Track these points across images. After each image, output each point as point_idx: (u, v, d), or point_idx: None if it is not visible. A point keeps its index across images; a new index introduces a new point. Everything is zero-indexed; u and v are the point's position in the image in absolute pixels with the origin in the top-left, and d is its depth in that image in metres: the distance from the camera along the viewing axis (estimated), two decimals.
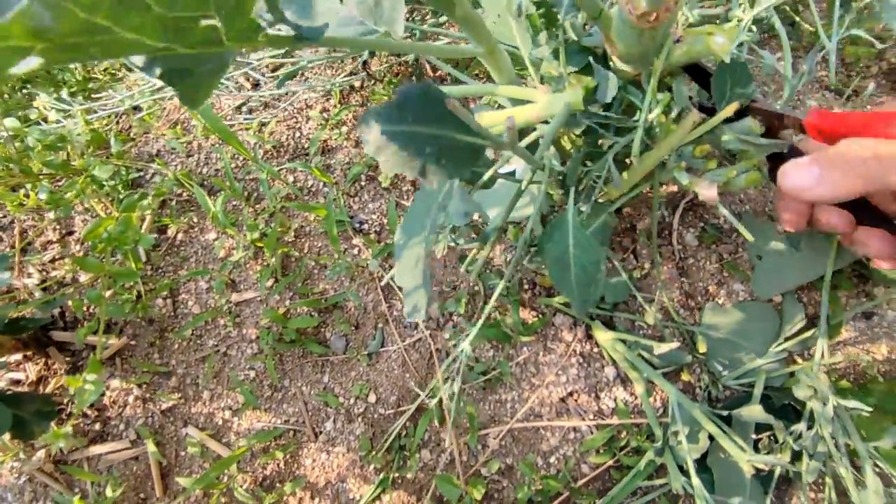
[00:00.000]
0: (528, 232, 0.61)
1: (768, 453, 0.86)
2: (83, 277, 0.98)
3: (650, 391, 0.89)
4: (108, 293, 0.98)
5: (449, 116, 0.38)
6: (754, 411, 0.82)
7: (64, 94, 1.27)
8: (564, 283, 0.56)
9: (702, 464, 0.85)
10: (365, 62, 1.03)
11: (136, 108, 1.23)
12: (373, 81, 1.11)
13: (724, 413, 0.84)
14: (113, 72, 1.36)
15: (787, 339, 0.88)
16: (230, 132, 0.85)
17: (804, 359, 0.90)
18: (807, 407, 0.83)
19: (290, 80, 0.91)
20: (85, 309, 0.99)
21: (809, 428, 0.82)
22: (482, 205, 0.77)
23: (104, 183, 1.00)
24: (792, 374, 0.87)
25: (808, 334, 0.86)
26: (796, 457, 0.84)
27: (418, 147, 0.37)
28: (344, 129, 1.09)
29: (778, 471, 0.85)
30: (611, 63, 0.57)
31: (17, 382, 0.96)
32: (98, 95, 1.22)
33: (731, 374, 0.88)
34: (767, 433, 0.87)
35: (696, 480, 0.78)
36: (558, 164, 0.60)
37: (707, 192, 0.57)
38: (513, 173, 0.71)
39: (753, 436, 0.86)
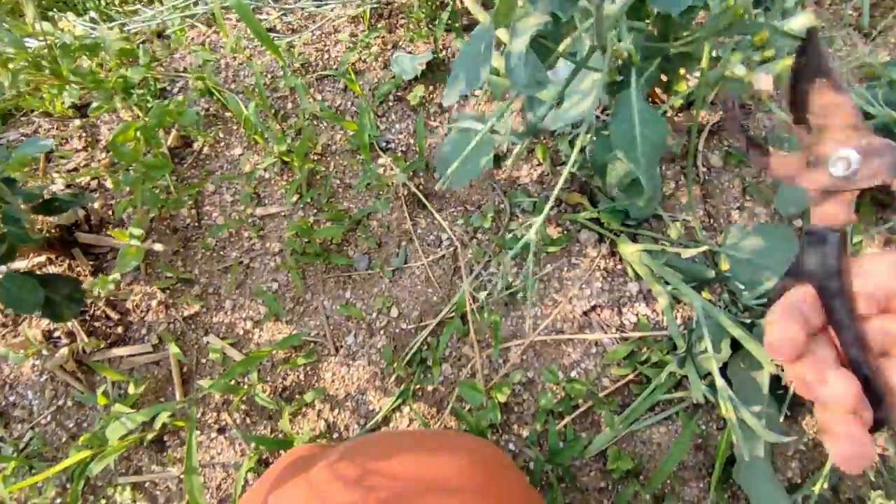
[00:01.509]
0: (588, 116, 0.61)
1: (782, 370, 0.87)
2: (109, 183, 0.98)
3: (672, 306, 0.90)
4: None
5: None
6: None
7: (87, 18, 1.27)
8: (632, 158, 0.57)
9: (722, 376, 0.86)
10: None
11: (160, 35, 1.23)
12: (407, 0, 1.11)
13: (747, 321, 0.85)
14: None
15: None
16: (268, 36, 0.85)
17: None
18: None
19: None
20: (110, 213, 0.99)
21: None
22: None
23: (133, 91, 1.00)
24: None
25: None
26: None
27: None
28: (373, 50, 1.10)
29: (793, 388, 0.86)
30: None
31: None
32: (118, 19, 1.22)
33: (752, 294, 0.90)
34: None
35: (720, 381, 0.79)
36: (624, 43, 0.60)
37: (763, 82, 0.58)
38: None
39: None
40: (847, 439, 0.29)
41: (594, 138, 0.68)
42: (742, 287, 0.90)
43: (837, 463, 0.29)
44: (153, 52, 1.15)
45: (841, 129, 0.34)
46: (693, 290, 0.84)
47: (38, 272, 0.88)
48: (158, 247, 0.79)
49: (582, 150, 0.81)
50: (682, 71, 0.82)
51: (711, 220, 0.94)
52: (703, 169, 0.95)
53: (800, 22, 0.60)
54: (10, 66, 0.83)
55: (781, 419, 0.85)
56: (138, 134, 0.89)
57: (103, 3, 1.31)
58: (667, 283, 0.90)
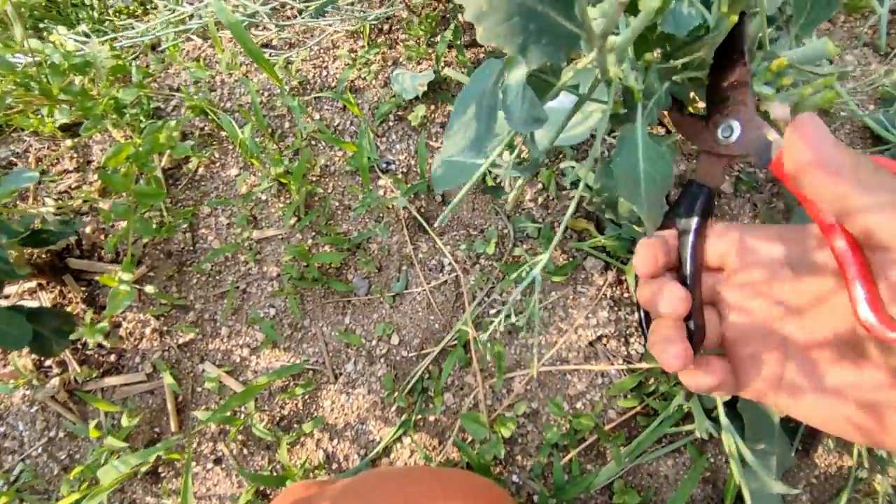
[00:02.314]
0: (594, 150, 0.59)
1: None
2: (102, 206, 0.95)
3: None
4: (124, 224, 0.96)
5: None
6: None
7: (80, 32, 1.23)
8: (634, 197, 0.54)
9: (732, 410, 0.84)
10: None
11: (154, 48, 1.20)
12: (407, 15, 1.08)
13: None
14: (129, 10, 1.32)
15: None
16: (263, 55, 0.82)
17: None
18: None
19: (326, 9, 0.88)
20: (103, 237, 0.97)
21: None
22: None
23: (125, 111, 0.97)
24: None
25: None
26: None
27: (523, 21, 0.35)
28: (373, 67, 1.07)
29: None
30: None
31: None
32: (114, 33, 1.18)
33: None
34: None
35: (724, 419, 0.77)
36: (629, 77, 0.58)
37: (779, 111, 0.56)
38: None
39: None
40: (669, 341, 0.32)
41: (602, 168, 0.65)
42: None
43: (661, 363, 0.33)
44: (146, 66, 1.12)
45: (736, 103, 0.38)
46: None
47: (25, 305, 0.86)
48: (150, 289, 0.76)
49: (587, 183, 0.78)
50: (691, 94, 0.79)
51: None
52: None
53: (817, 48, 0.58)
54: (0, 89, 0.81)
55: (793, 453, 0.83)
56: (130, 159, 0.86)
57: (96, 14, 1.27)
58: None
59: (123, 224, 0.97)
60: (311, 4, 1.02)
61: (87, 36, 1.19)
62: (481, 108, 0.44)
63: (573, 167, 0.81)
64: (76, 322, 0.82)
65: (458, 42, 1.02)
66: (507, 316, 0.93)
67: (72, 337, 0.79)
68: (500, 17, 0.34)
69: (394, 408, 0.92)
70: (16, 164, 1.02)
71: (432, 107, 1.04)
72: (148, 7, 1.31)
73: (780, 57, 0.58)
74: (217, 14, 0.82)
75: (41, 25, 1.31)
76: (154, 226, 0.88)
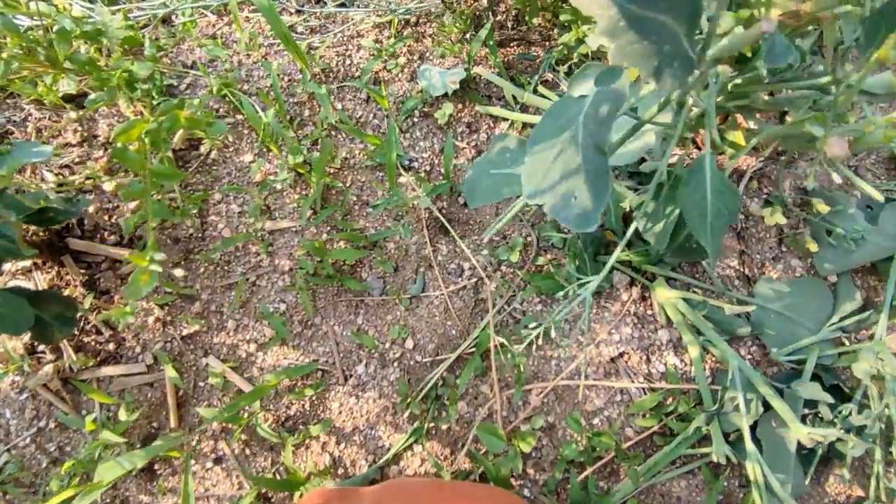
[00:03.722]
0: (658, 177, 0.57)
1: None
2: (107, 185, 0.90)
3: (703, 357, 0.87)
4: (133, 205, 0.91)
5: (691, 14, 0.33)
6: (811, 388, 0.81)
7: None
8: (701, 230, 0.53)
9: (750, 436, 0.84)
10: None
11: (165, 21, 1.14)
12: (441, 10, 1.04)
13: (779, 386, 0.83)
14: None
15: (842, 319, 0.87)
16: (292, 38, 0.78)
17: (851, 341, 0.89)
18: (858, 389, 0.83)
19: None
20: (107, 217, 0.91)
21: (860, 409, 0.82)
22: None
23: (137, 85, 0.92)
24: (840, 356, 0.87)
25: (863, 315, 0.85)
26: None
27: (659, 42, 0.32)
28: (400, 60, 1.03)
29: (820, 451, 0.84)
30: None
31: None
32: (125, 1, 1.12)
33: (783, 350, 0.87)
34: (813, 411, 0.86)
35: (750, 445, 0.76)
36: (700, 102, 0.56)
37: (837, 149, 0.54)
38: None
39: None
40: None
41: (662, 194, 0.63)
42: (772, 342, 0.88)
43: None
44: (157, 40, 1.06)
45: None
46: (729, 348, 0.81)
47: (21, 285, 0.80)
48: (179, 272, 0.72)
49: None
50: (738, 119, 0.78)
51: (745, 269, 0.91)
52: (740, 215, 0.92)
53: (883, 80, 0.57)
54: (3, 53, 0.74)
55: (807, 481, 0.83)
56: (144, 136, 0.81)
57: None
58: (699, 333, 0.87)
59: (130, 205, 0.92)
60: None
61: (91, 1, 1.12)
62: (592, 173, 0.41)
63: (633, 192, 0.78)
64: (78, 307, 0.77)
65: (491, 42, 0.98)
66: (545, 331, 0.90)
67: (76, 319, 0.74)
68: (636, 36, 0.32)
69: (405, 414, 0.89)
70: (12, 133, 0.96)
71: (459, 105, 1.01)
72: None
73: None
74: None
75: None
76: (165, 205, 0.83)
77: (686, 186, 0.56)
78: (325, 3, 1.09)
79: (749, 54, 0.55)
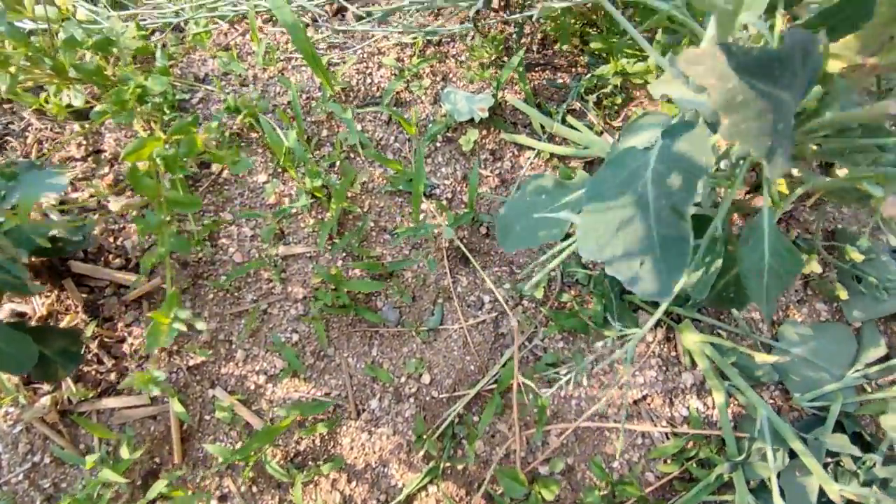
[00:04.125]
0: (711, 231, 0.54)
1: (836, 480, 0.84)
2: (113, 205, 0.85)
3: (728, 402, 0.85)
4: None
5: (802, 93, 0.30)
6: (840, 440, 0.79)
7: None
8: (756, 291, 0.51)
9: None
10: (478, 11, 0.92)
11: (175, 28, 1.08)
12: (472, 34, 1.01)
13: (803, 435, 0.82)
14: None
15: (866, 366, 0.86)
16: (320, 60, 0.74)
17: (874, 388, 0.88)
18: (885, 438, 0.82)
19: (387, 17, 0.80)
20: (112, 239, 0.86)
21: (885, 461, 0.81)
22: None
23: (148, 99, 0.87)
24: (863, 403, 0.86)
25: (889, 364, 0.85)
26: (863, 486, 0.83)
27: (775, 120, 0.30)
28: (424, 81, 0.99)
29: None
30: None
31: (21, 316, 0.82)
32: (131, 3, 1.06)
33: (805, 395, 0.86)
34: (835, 459, 0.85)
35: (778, 500, 0.75)
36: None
37: (892, 208, 0.53)
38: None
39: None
40: None
41: (715, 249, 0.61)
42: (795, 387, 0.87)
43: None
44: (167, 47, 1.01)
45: None
46: (758, 397, 0.79)
47: (16, 309, 0.75)
48: (201, 326, 0.67)
49: None
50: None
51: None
52: None
53: (892, 211, 0.55)
54: (11, 66, 0.69)
55: None
56: (157, 158, 0.77)
57: None
58: (724, 377, 0.85)
59: (136, 225, 0.87)
60: (372, 8, 0.93)
61: (93, 2, 1.06)
62: (668, 242, 0.38)
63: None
64: (83, 341, 0.72)
65: (521, 69, 0.95)
66: (551, 364, 0.88)
67: (81, 354, 0.69)
68: (754, 112, 0.29)
69: (420, 453, 0.86)
70: (10, 143, 0.90)
71: (484, 131, 0.98)
72: None
73: None
74: (275, 11, 0.73)
75: None
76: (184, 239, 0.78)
77: (744, 245, 0.54)
78: (344, 17, 1.05)
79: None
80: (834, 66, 0.53)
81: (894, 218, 0.51)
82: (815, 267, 0.76)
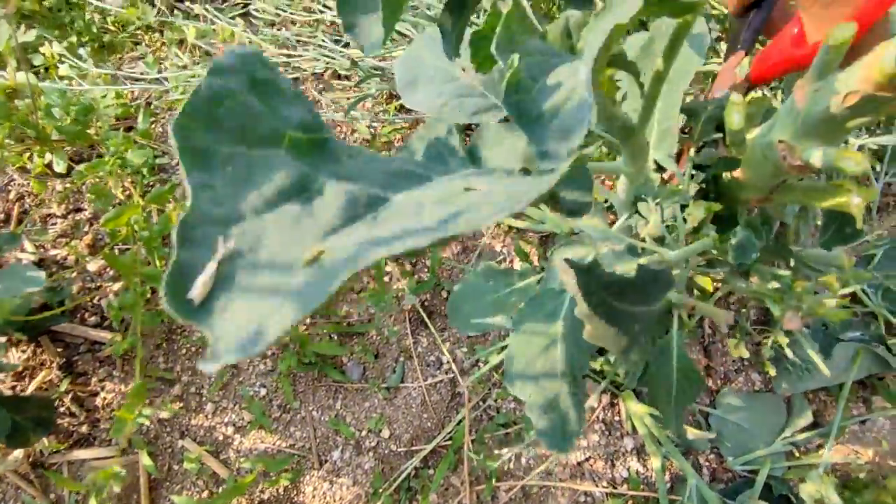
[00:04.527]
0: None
1: None
2: (91, 266, 0.89)
3: (664, 466, 0.92)
4: (117, 287, 0.90)
5: (655, 304, 0.36)
6: None
7: (74, 42, 1.14)
8: (665, 405, 0.57)
9: None
10: None
11: (156, 81, 1.13)
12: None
13: (731, 501, 0.88)
14: (131, 22, 1.24)
15: (794, 433, 0.93)
16: None
17: (801, 453, 0.95)
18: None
19: (355, 106, 0.86)
20: (88, 299, 0.91)
21: None
22: None
23: (128, 164, 0.91)
24: (790, 468, 0.93)
25: (813, 433, 0.92)
26: None
27: (630, 325, 0.36)
28: (392, 151, 1.05)
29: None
30: (721, 181, 0.58)
31: None
32: (114, 56, 1.10)
33: (738, 459, 0.93)
34: None
35: None
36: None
37: (792, 323, 0.59)
38: None
39: None
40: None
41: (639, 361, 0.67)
42: (729, 452, 0.93)
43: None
44: (151, 105, 1.06)
45: None
46: (689, 466, 0.86)
47: (4, 393, 0.79)
48: (165, 413, 0.72)
49: None
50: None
51: (710, 381, 0.96)
52: (708, 331, 0.97)
53: (834, 256, 0.62)
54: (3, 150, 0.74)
55: None
56: (134, 224, 0.81)
57: (87, 26, 1.18)
58: (661, 443, 0.92)
59: (114, 287, 0.91)
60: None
61: (80, 59, 1.09)
62: (573, 392, 0.44)
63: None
64: (56, 408, 0.76)
65: None
66: (516, 433, 0.94)
67: (54, 421, 0.73)
68: (611, 321, 0.35)
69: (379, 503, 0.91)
70: None
71: None
72: (153, 26, 1.24)
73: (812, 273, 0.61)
74: None
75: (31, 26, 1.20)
76: (146, 298, 0.83)
77: (654, 365, 0.60)
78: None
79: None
80: (745, 197, 0.60)
81: (792, 328, 0.57)
82: (742, 352, 0.83)
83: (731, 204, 0.59)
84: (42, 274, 0.61)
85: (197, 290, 0.16)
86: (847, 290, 0.62)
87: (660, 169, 0.57)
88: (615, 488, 0.91)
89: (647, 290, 0.35)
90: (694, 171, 0.57)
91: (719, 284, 0.75)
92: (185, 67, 1.04)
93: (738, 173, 0.53)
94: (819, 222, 0.67)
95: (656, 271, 0.34)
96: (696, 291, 0.73)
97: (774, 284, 0.61)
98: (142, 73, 1.06)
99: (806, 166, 0.45)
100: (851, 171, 0.39)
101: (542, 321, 0.51)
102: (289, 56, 1.05)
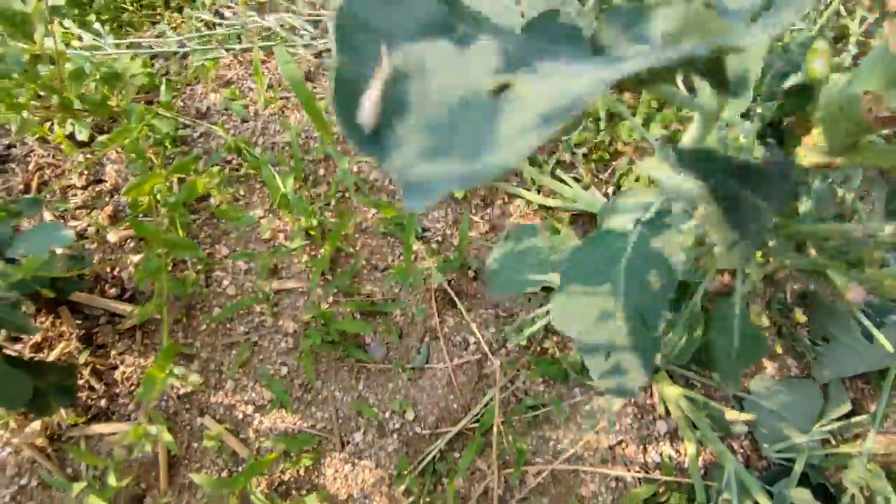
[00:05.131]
0: (690, 307, 0.58)
1: None
2: (112, 236, 0.87)
3: (699, 452, 0.89)
4: (137, 259, 0.88)
5: (776, 206, 0.34)
6: (803, 494, 0.83)
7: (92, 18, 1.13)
8: (724, 366, 0.54)
9: None
10: None
11: (176, 53, 1.11)
12: None
13: (768, 488, 0.85)
14: (148, 1, 1.22)
15: (832, 421, 0.90)
16: (318, 109, 0.77)
17: (839, 441, 0.92)
18: (845, 492, 0.86)
19: None
20: (109, 269, 0.88)
21: None
22: None
23: (150, 134, 0.89)
24: (828, 456, 0.90)
25: (853, 420, 0.89)
26: None
27: (747, 219, 0.33)
28: None
29: None
30: (785, 142, 0.55)
31: (15, 340, 0.84)
32: (133, 33, 1.09)
33: (773, 446, 0.90)
34: None
35: None
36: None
37: (855, 294, 0.57)
38: None
39: None
40: None
41: (692, 325, 0.64)
42: (765, 439, 0.90)
43: None
44: (168, 75, 1.04)
45: None
46: (727, 450, 0.83)
47: (21, 352, 0.77)
48: (194, 378, 0.70)
49: None
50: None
51: None
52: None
53: (856, 297, 0.59)
54: (23, 110, 0.72)
55: None
56: (157, 194, 0.79)
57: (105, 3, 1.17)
58: (695, 427, 0.89)
59: (135, 258, 0.89)
60: None
61: (97, 35, 1.08)
62: (640, 348, 0.41)
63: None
64: (77, 375, 0.74)
65: None
66: (546, 415, 0.91)
67: (75, 389, 0.71)
68: (727, 207, 0.32)
69: (401, 487, 0.88)
70: (12, 169, 0.92)
71: None
72: (171, 3, 1.22)
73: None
74: (280, 65, 0.76)
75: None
76: (181, 280, 0.81)
77: (715, 327, 0.58)
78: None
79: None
80: (808, 161, 0.57)
81: (855, 301, 0.55)
82: (762, 321, 0.80)
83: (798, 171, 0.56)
84: (70, 232, 0.59)
85: (366, 112, 0.13)
86: None
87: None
88: (647, 473, 0.88)
89: (772, 183, 0.32)
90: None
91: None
92: (205, 38, 1.02)
93: (807, 130, 0.51)
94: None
95: (785, 164, 0.32)
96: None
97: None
98: (163, 46, 1.04)
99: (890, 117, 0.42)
100: None
101: (599, 268, 0.48)
102: None
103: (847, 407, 0.90)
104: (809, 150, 0.55)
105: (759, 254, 0.75)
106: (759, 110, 0.56)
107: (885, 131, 0.50)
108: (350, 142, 0.13)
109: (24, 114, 0.72)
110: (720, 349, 0.56)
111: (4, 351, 0.68)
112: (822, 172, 0.57)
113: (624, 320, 0.46)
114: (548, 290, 0.84)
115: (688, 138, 0.55)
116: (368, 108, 0.13)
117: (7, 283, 0.52)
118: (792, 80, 0.50)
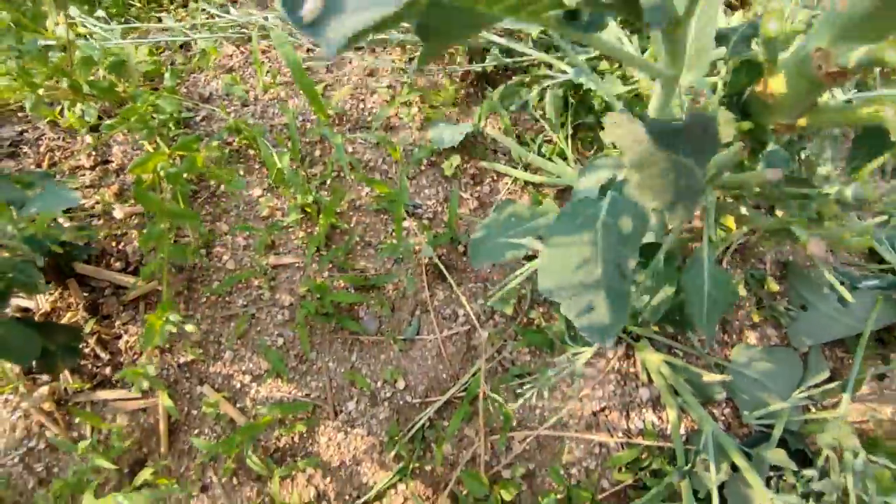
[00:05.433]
0: (657, 261, 0.61)
1: (777, 492, 0.90)
2: (117, 212, 0.92)
3: (680, 418, 0.91)
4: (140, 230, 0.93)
5: (703, 161, 0.37)
6: (778, 454, 0.86)
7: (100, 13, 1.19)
8: (698, 314, 0.58)
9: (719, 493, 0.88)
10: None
11: (183, 46, 1.16)
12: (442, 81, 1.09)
13: (747, 450, 0.88)
14: None
15: (810, 388, 0.92)
16: (320, 98, 0.81)
17: (818, 408, 0.95)
18: (821, 455, 0.88)
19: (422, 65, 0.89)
20: (114, 243, 0.93)
21: (821, 475, 0.87)
22: None
23: (156, 116, 0.94)
24: (807, 422, 0.93)
25: (830, 386, 0.91)
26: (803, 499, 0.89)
27: (677, 177, 0.37)
28: (414, 109, 1.07)
29: None
30: (749, 105, 0.59)
31: (26, 311, 0.89)
32: (137, 24, 1.14)
33: (754, 413, 0.92)
34: (778, 473, 0.91)
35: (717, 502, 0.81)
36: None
37: (816, 248, 0.60)
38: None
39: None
40: None
41: (661, 276, 0.68)
42: (744, 405, 0.93)
43: None
44: (174, 64, 1.09)
45: None
46: (706, 413, 0.86)
47: (21, 304, 0.81)
48: (190, 328, 0.74)
49: None
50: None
51: (725, 335, 0.96)
52: None
53: (817, 251, 0.62)
54: (38, 88, 0.77)
55: None
56: (160, 171, 0.84)
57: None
58: (677, 393, 0.92)
59: (139, 232, 0.94)
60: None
61: (104, 21, 1.13)
62: (613, 292, 0.45)
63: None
64: (82, 337, 0.78)
65: (502, 102, 1.03)
66: (517, 375, 0.94)
67: (81, 349, 0.75)
68: (658, 170, 0.36)
69: (392, 453, 0.92)
70: (24, 152, 0.97)
71: (466, 157, 1.05)
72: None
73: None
74: (278, 48, 0.81)
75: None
76: (182, 247, 0.85)
77: (686, 275, 0.61)
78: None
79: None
80: (772, 122, 0.61)
81: (816, 255, 0.58)
82: (772, 286, 0.83)
83: (757, 132, 0.60)
84: (77, 194, 0.63)
85: (307, 10, 0.18)
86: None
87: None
88: (630, 439, 0.91)
89: (695, 140, 0.36)
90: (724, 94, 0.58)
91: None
92: (208, 27, 1.08)
93: (768, 91, 0.54)
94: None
95: (706, 120, 0.36)
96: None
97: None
98: (168, 33, 1.09)
99: (843, 72, 0.45)
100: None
101: (577, 230, 0.52)
102: None
103: (826, 374, 0.93)
104: (775, 113, 0.59)
105: (731, 219, 0.79)
106: (722, 73, 0.60)
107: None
108: (292, 23, 0.18)
109: (40, 91, 0.77)
110: (693, 294, 0.59)
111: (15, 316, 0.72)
112: (786, 133, 0.60)
113: (601, 264, 0.50)
114: (531, 258, 0.88)
115: (652, 106, 0.60)
116: (308, 10, 0.18)
117: (21, 235, 0.57)
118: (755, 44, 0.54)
